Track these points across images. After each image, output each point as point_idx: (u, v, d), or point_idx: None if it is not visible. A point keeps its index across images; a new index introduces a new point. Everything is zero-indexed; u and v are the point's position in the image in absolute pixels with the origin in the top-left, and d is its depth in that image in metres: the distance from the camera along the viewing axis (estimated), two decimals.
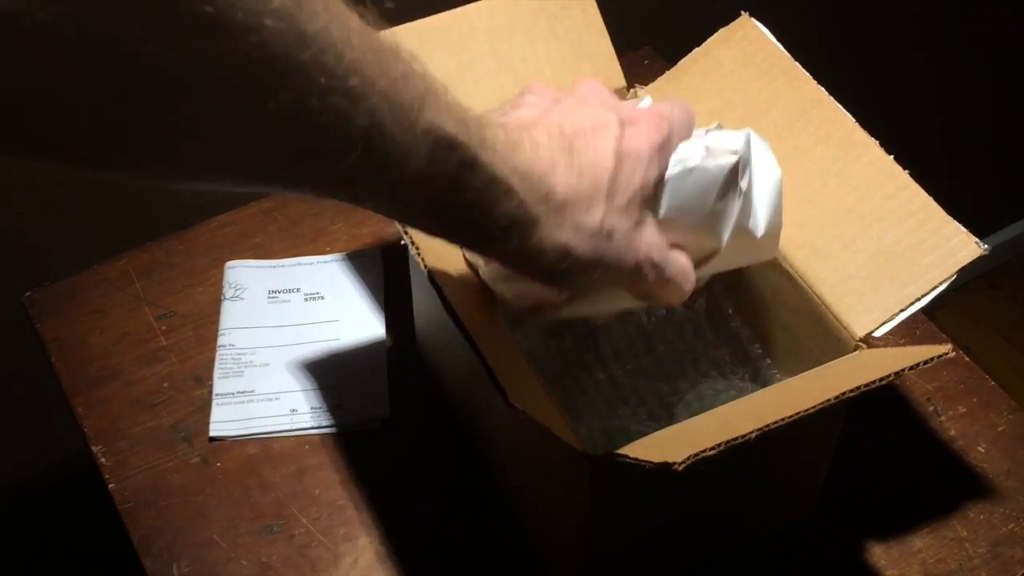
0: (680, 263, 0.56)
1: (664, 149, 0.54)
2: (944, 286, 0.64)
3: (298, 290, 0.83)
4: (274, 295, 0.83)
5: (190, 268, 0.85)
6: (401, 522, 0.71)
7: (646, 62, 0.97)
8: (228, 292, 0.83)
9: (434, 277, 0.58)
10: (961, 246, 0.64)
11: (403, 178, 0.43)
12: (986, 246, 0.64)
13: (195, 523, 0.71)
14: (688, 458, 0.48)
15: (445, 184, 0.44)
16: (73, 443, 0.79)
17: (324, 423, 0.76)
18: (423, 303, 0.75)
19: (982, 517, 0.71)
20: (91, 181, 0.95)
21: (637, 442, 0.57)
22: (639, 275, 0.54)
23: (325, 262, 0.85)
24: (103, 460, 0.74)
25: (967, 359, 0.80)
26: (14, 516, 1.14)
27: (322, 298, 0.83)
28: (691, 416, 0.70)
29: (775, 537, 0.70)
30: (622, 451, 0.51)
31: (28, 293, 0.83)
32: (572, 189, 0.50)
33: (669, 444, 0.53)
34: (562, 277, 0.52)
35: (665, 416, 0.71)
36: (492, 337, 0.58)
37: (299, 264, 0.85)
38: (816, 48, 1.38)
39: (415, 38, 0.72)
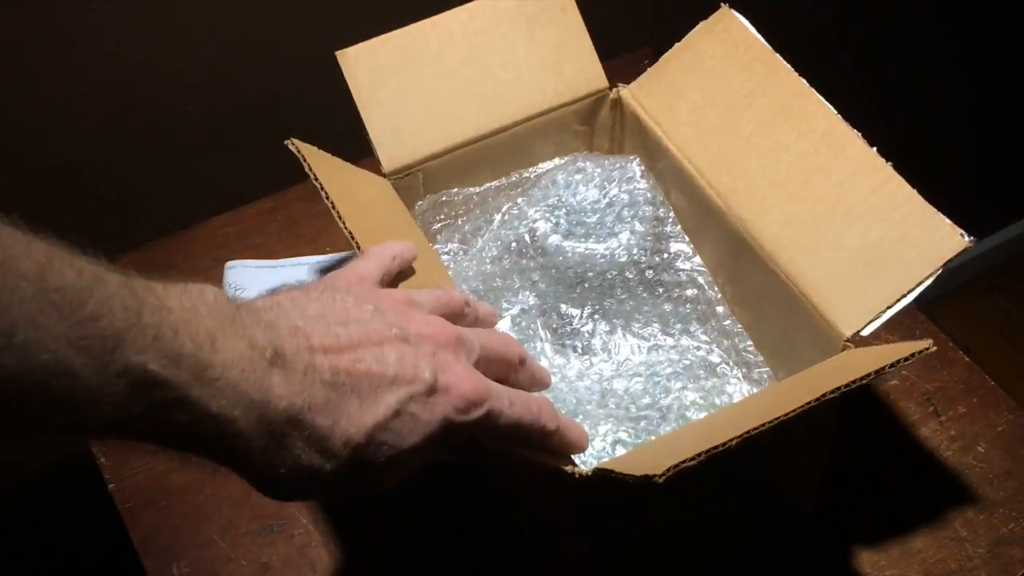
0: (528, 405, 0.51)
1: (463, 427, 0.49)
2: (930, 280, 0.64)
3: None
4: None
5: (190, 268, 0.85)
6: (400, 523, 0.71)
7: (645, 62, 0.97)
8: (227, 292, 0.83)
9: None
10: (946, 239, 0.63)
11: (102, 417, 0.39)
12: (971, 238, 0.63)
13: (195, 523, 0.71)
14: (668, 470, 0.47)
15: (153, 420, 0.41)
16: (73, 443, 0.79)
17: None
18: None
19: (982, 517, 0.71)
20: (90, 181, 0.95)
21: (624, 455, 0.57)
22: None
23: (323, 263, 0.85)
24: (103, 460, 0.74)
25: (967, 359, 0.80)
26: (14, 516, 1.14)
27: None
28: (684, 418, 0.70)
29: (773, 537, 0.70)
30: (607, 465, 0.51)
31: None
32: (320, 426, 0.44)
33: (653, 456, 0.53)
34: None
35: (658, 418, 0.70)
36: None
37: (299, 265, 0.85)
38: (803, 40, 1.37)
39: (393, 49, 0.72)
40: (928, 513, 0.72)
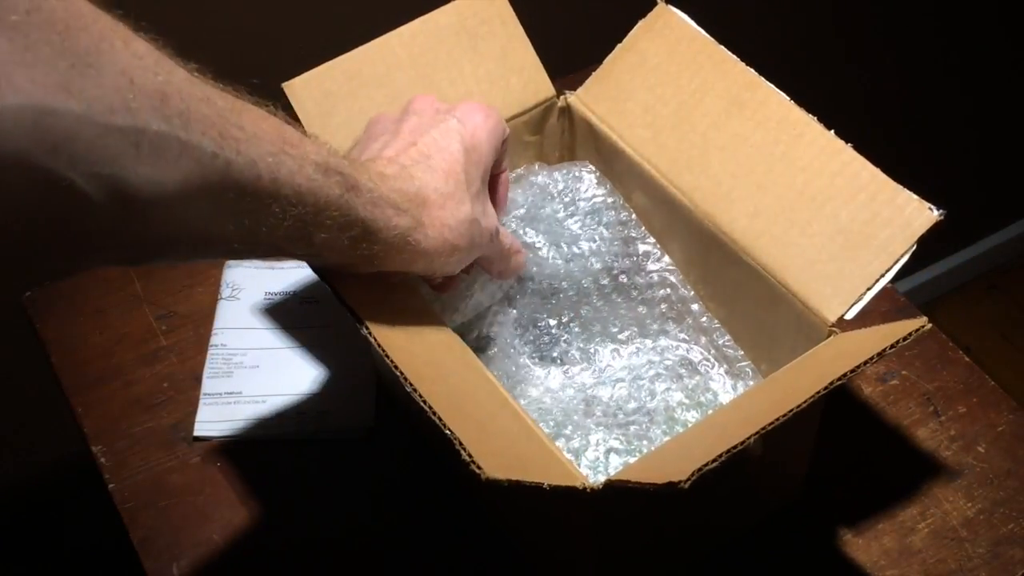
0: (506, 233, 0.67)
1: (494, 132, 0.63)
2: (906, 258, 0.63)
3: (294, 293, 0.83)
4: (270, 297, 0.83)
5: (190, 268, 0.85)
6: (389, 531, 0.71)
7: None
8: (225, 292, 0.83)
9: (386, 349, 0.56)
10: (916, 214, 0.63)
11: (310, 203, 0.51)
12: (940, 211, 0.63)
13: (195, 523, 0.71)
14: (692, 474, 0.47)
15: (338, 203, 0.52)
16: (73, 443, 0.79)
17: (308, 429, 0.75)
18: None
19: (982, 517, 0.71)
20: None
21: (631, 466, 0.57)
22: (496, 243, 0.64)
23: None
24: (103, 460, 0.74)
25: (967, 359, 0.80)
26: (14, 516, 1.14)
27: (316, 302, 0.83)
28: (673, 420, 0.70)
29: (772, 536, 0.70)
30: (621, 476, 0.50)
31: (28, 293, 0.83)
32: (443, 194, 0.58)
33: (668, 461, 0.52)
34: (450, 267, 0.61)
35: (647, 422, 0.70)
36: (452, 379, 0.57)
37: (298, 267, 0.85)
38: (791, 39, 1.37)
39: (340, 75, 0.71)
40: (928, 513, 0.72)
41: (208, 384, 0.77)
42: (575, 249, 0.74)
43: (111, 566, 0.96)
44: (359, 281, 0.60)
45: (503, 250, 0.67)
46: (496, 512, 0.70)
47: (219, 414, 0.76)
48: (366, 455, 0.75)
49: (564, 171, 0.76)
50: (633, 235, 0.75)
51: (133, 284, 0.84)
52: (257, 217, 0.49)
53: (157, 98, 0.42)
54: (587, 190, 0.75)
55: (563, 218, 0.75)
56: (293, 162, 0.50)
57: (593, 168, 0.76)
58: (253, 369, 0.78)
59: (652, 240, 0.75)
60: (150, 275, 0.85)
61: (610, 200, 0.75)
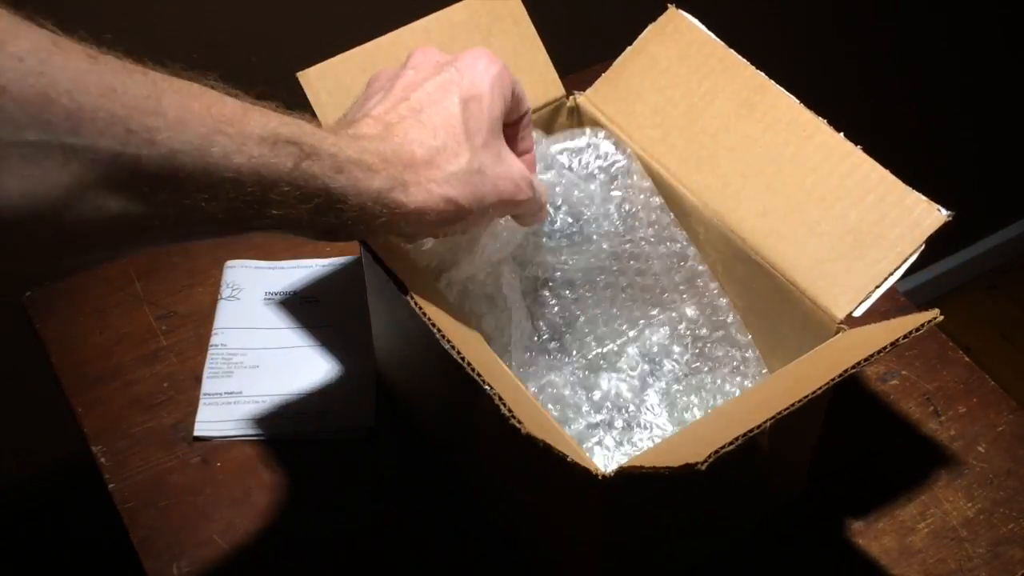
0: (538, 181, 0.64)
1: (500, 78, 0.60)
2: (914, 257, 0.64)
3: (294, 293, 0.83)
4: (270, 297, 0.83)
5: (190, 268, 0.85)
6: (389, 531, 0.71)
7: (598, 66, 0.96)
8: (225, 292, 0.83)
9: (424, 310, 0.56)
10: (925, 215, 0.64)
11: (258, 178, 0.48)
12: (949, 212, 0.63)
13: (195, 523, 0.71)
14: (709, 456, 0.47)
15: (290, 176, 0.49)
16: (73, 443, 0.79)
17: (308, 429, 0.75)
18: (385, 326, 0.73)
19: (982, 517, 0.71)
20: None
21: (646, 452, 0.57)
22: (519, 195, 0.60)
23: (325, 266, 0.85)
24: (103, 460, 0.74)
25: (967, 359, 0.80)
26: (14, 515, 1.14)
27: (317, 302, 0.83)
28: (681, 410, 0.70)
29: (772, 536, 0.70)
30: (636, 462, 0.51)
31: (28, 293, 0.83)
32: (431, 148, 0.56)
33: (680, 449, 0.53)
34: (453, 223, 0.58)
35: (656, 415, 0.70)
36: (478, 352, 0.57)
37: (298, 267, 0.85)
38: (791, 38, 1.37)
39: (354, 67, 0.71)
40: (928, 513, 0.72)
41: (208, 384, 0.77)
42: (590, 213, 0.73)
43: (111, 566, 0.96)
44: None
45: (542, 202, 0.64)
46: (497, 511, 0.70)
47: (219, 414, 0.76)
48: (366, 455, 0.75)
49: (575, 138, 0.75)
50: (651, 203, 0.74)
51: (133, 284, 0.84)
52: (184, 206, 0.46)
53: (36, 104, 0.40)
54: (605, 157, 0.74)
55: (581, 187, 0.73)
56: (230, 141, 0.47)
57: (607, 134, 0.75)
58: (253, 369, 0.78)
59: (669, 212, 0.73)
60: (150, 275, 0.85)
61: (624, 164, 0.73)
